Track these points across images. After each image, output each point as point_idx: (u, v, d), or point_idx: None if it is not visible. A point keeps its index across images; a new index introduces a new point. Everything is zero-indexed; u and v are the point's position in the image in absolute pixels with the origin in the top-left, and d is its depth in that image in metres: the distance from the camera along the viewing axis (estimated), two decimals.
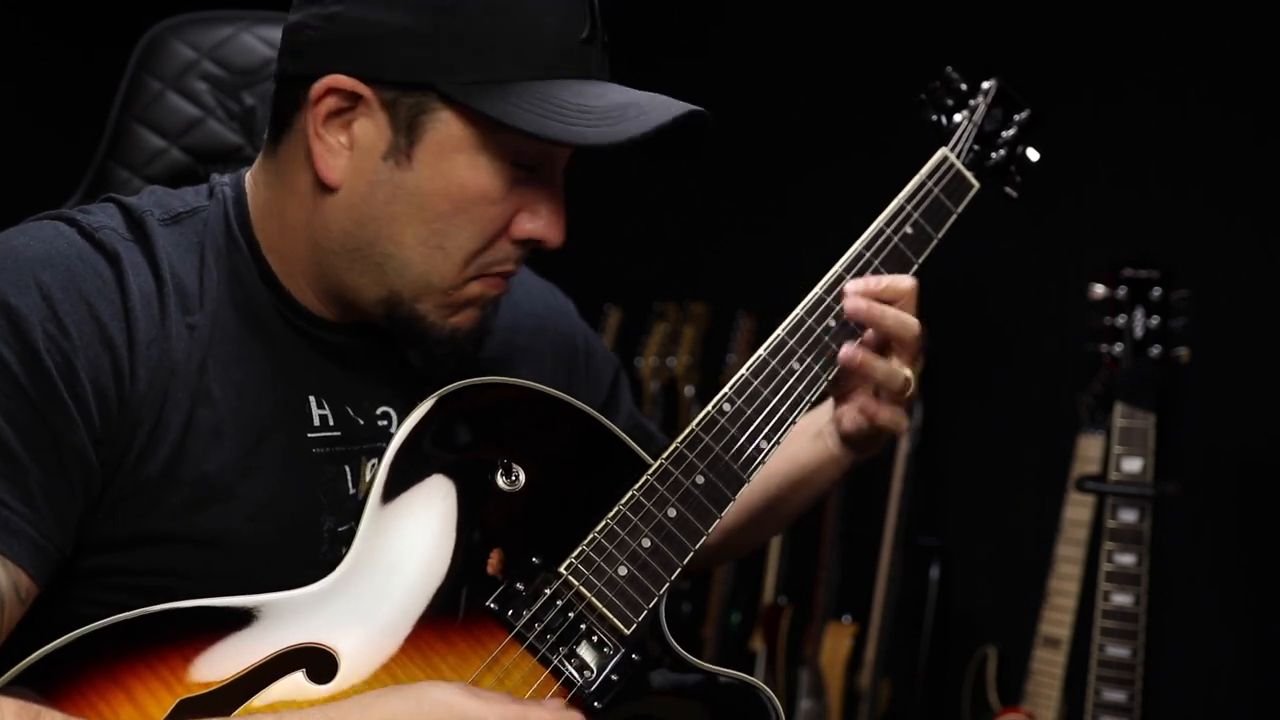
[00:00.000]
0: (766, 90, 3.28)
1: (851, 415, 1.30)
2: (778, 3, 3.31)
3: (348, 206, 1.07)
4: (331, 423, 1.12)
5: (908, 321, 1.24)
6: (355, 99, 1.04)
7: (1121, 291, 2.16)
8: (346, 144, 1.06)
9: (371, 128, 1.05)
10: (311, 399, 1.11)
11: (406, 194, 1.05)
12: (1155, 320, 2.13)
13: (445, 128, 1.04)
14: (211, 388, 1.05)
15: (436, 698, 0.96)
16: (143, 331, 1.02)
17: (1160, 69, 2.62)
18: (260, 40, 1.56)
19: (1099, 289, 2.18)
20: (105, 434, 1.00)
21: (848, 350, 1.23)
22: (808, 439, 1.36)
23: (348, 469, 1.12)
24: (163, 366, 1.03)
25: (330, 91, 1.04)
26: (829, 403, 1.34)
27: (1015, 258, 2.79)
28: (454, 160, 1.04)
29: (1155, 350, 2.12)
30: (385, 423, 1.15)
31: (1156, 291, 2.14)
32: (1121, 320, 2.15)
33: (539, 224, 1.08)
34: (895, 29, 3.04)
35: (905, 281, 1.26)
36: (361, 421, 1.14)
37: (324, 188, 1.07)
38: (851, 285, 1.24)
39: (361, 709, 0.96)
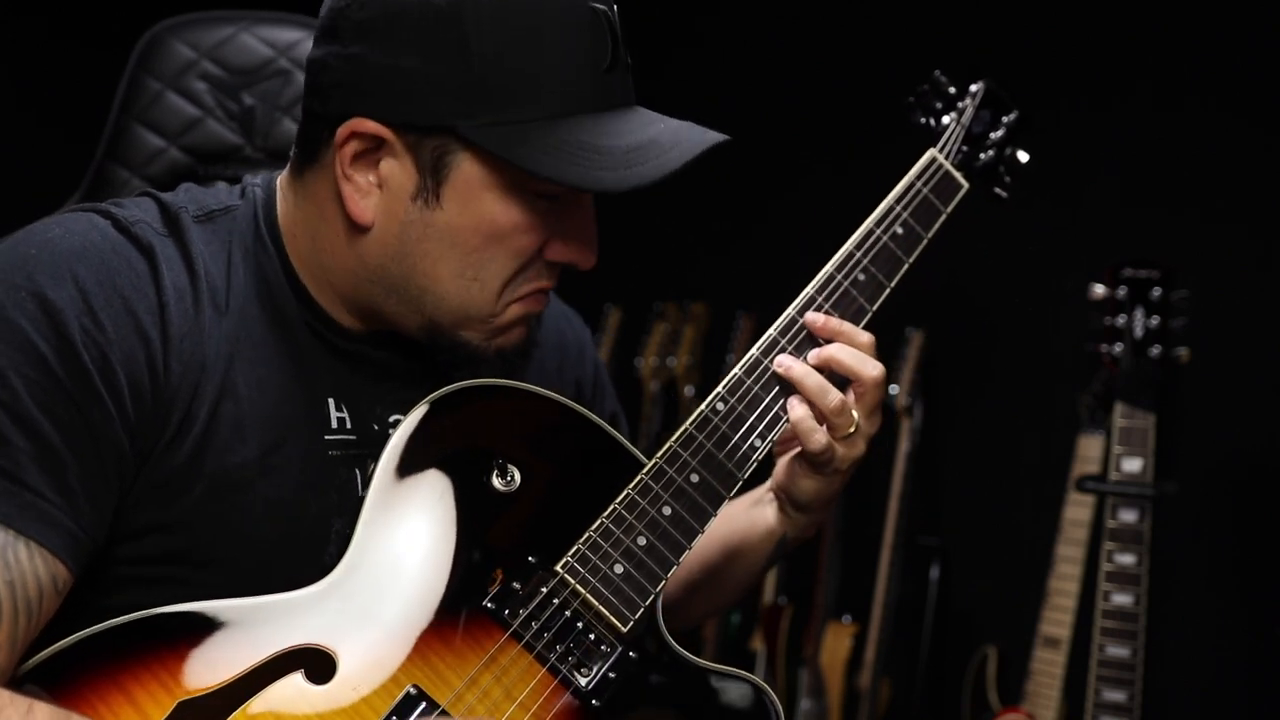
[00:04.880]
0: (766, 90, 3.28)
1: (785, 464, 1.25)
2: (775, 5, 3.31)
3: (381, 244, 1.08)
4: (348, 425, 1.13)
5: (868, 361, 1.20)
6: (379, 141, 1.05)
7: (1121, 291, 2.15)
8: (375, 183, 1.07)
9: (398, 168, 1.06)
10: (330, 401, 1.12)
11: (438, 232, 1.06)
12: (1155, 320, 2.13)
13: (470, 168, 1.05)
14: (237, 382, 1.06)
15: None
16: (176, 326, 1.03)
17: (1161, 69, 2.62)
18: (260, 40, 1.56)
19: (1099, 289, 2.18)
20: (139, 426, 1.01)
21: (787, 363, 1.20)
22: (746, 506, 1.32)
23: (358, 472, 1.12)
24: (194, 361, 1.04)
25: (354, 135, 1.05)
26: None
27: (1016, 258, 2.79)
28: (481, 198, 1.05)
29: (1155, 350, 2.12)
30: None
31: (1156, 291, 2.13)
32: (1121, 320, 2.15)
33: (571, 249, 1.10)
34: (895, 30, 3.04)
35: (862, 336, 1.22)
36: (375, 427, 1.14)
37: (357, 225, 1.08)
38: (810, 319, 1.22)
39: None
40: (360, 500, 1.10)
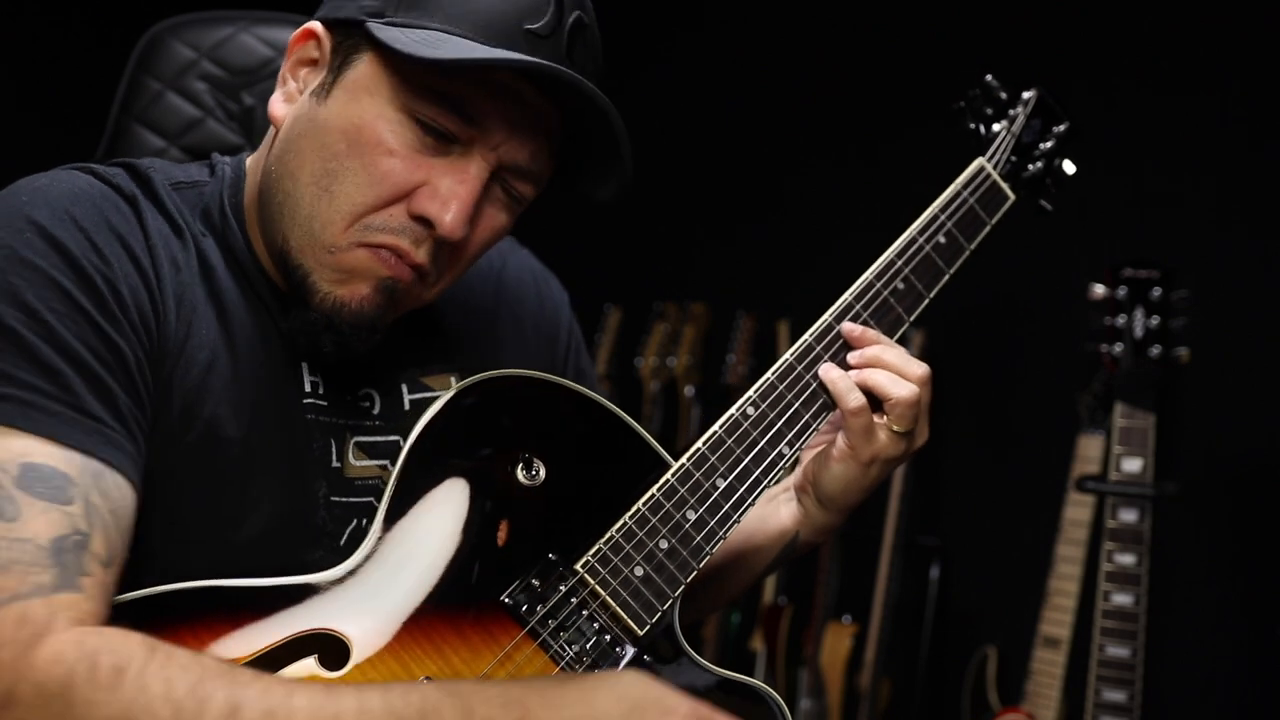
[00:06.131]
0: (767, 90, 3.28)
1: (814, 455, 1.25)
2: (777, 4, 3.31)
3: (277, 143, 1.09)
4: (321, 391, 1.12)
5: (900, 383, 1.19)
6: (318, 47, 1.08)
7: (1121, 291, 2.16)
8: (301, 89, 1.09)
9: (318, 71, 1.08)
10: (304, 365, 1.12)
11: (314, 127, 1.06)
12: (1155, 320, 2.13)
13: (364, 69, 1.05)
14: (233, 339, 1.07)
15: (631, 681, 0.96)
16: (166, 267, 1.04)
17: (1161, 69, 2.62)
18: (259, 40, 1.56)
19: (1099, 289, 2.18)
20: (151, 358, 1.01)
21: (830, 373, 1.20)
22: (759, 504, 1.29)
23: (333, 442, 1.12)
24: (185, 302, 1.05)
25: (303, 38, 1.09)
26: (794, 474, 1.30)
27: (1015, 258, 2.79)
28: (361, 100, 1.05)
29: (1155, 350, 2.13)
30: (367, 404, 1.15)
31: (1156, 291, 2.14)
32: (1121, 320, 2.15)
33: (435, 205, 1.04)
34: (892, 28, 3.04)
35: (890, 354, 1.21)
36: (348, 398, 1.14)
37: (275, 129, 1.10)
38: (847, 329, 1.22)
39: (553, 693, 0.94)
40: (340, 472, 1.10)
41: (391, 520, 1.06)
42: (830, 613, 2.97)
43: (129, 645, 0.89)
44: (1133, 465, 2.15)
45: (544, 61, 1.02)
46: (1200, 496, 2.43)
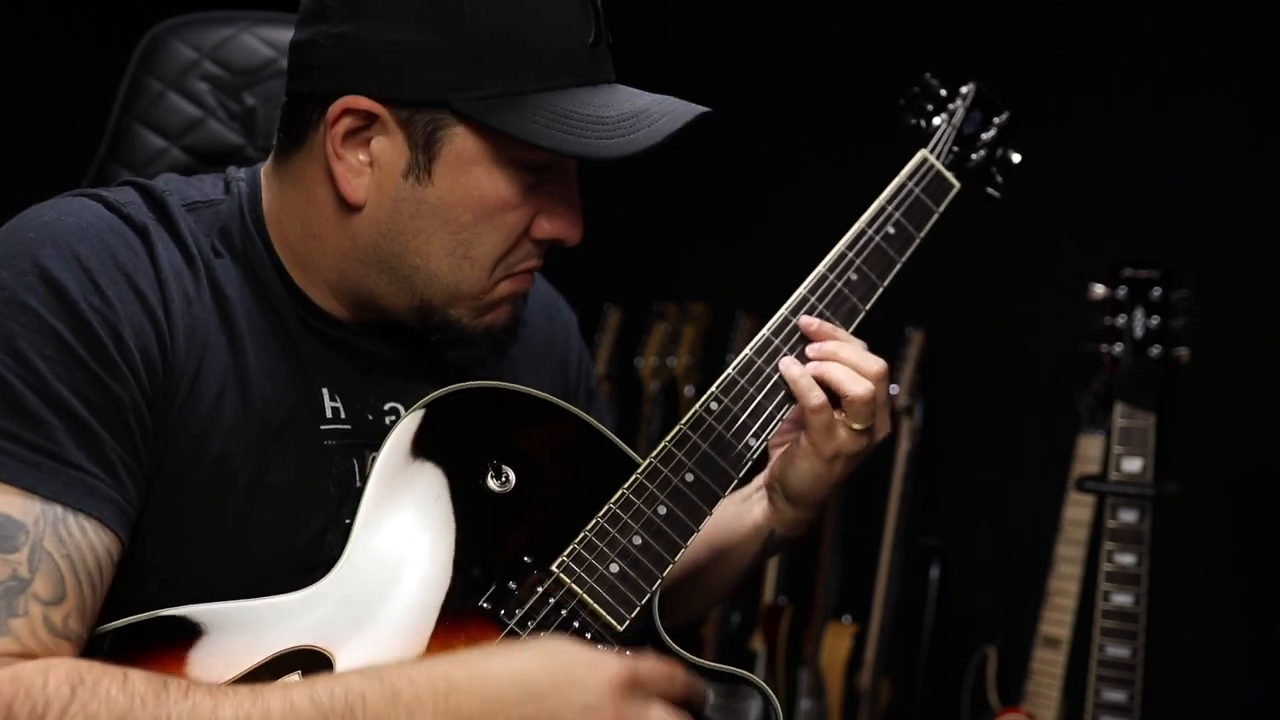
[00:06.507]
0: (767, 90, 3.28)
1: (780, 453, 1.25)
2: (774, 4, 3.31)
3: (374, 223, 1.08)
4: (343, 415, 1.13)
5: (857, 380, 1.19)
6: (371, 118, 1.06)
7: (1121, 291, 2.16)
8: (367, 162, 1.07)
9: (389, 146, 1.06)
10: (324, 391, 1.13)
11: (430, 208, 1.07)
12: (1155, 320, 2.13)
13: (461, 142, 1.05)
14: (245, 367, 1.07)
15: (559, 644, 0.99)
16: (177, 302, 1.04)
17: (1161, 69, 2.62)
18: (261, 40, 1.56)
19: (1099, 289, 2.18)
20: (154, 398, 1.02)
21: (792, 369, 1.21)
22: (734, 503, 1.32)
23: (356, 463, 1.13)
24: (197, 337, 1.05)
25: (346, 112, 1.05)
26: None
27: (1015, 258, 2.79)
28: (471, 172, 1.06)
29: (1155, 350, 2.13)
30: (393, 418, 1.16)
31: (1156, 291, 2.14)
32: (1121, 320, 2.15)
33: (558, 224, 1.11)
34: (895, 28, 3.04)
35: (846, 349, 1.22)
36: (370, 417, 1.15)
37: (348, 205, 1.08)
38: (804, 322, 1.23)
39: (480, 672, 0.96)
40: (358, 491, 1.10)
41: (366, 535, 1.06)
42: (830, 613, 2.97)
43: (49, 687, 0.89)
44: (1133, 465, 2.15)
45: (693, 109, 1.07)
46: (1200, 496, 2.43)
